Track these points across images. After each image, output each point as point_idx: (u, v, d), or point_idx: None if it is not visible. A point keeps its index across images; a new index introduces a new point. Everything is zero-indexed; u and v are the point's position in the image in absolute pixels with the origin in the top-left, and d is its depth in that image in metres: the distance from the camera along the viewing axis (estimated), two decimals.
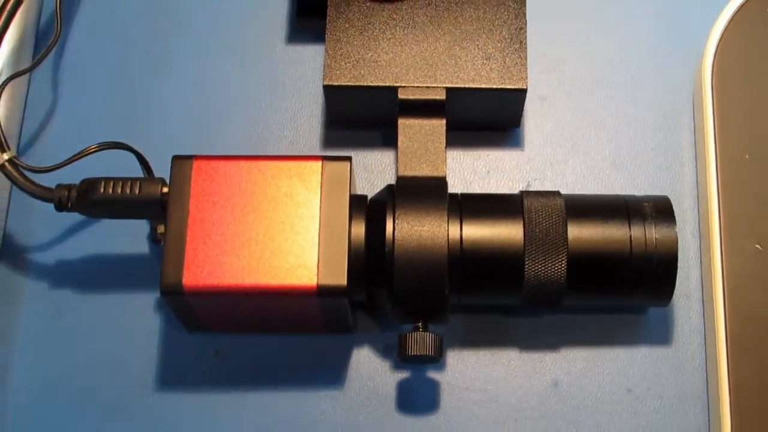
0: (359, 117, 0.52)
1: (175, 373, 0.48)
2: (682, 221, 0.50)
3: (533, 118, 0.53)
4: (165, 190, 0.46)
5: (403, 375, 0.49)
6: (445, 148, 0.48)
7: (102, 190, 0.45)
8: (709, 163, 0.49)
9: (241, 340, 0.49)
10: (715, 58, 0.50)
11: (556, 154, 0.52)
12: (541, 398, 0.48)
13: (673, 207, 0.46)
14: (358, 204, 0.46)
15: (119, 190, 0.45)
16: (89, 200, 0.46)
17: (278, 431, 0.48)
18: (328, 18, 0.50)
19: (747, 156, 0.49)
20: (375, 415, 0.48)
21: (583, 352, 0.49)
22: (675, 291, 0.46)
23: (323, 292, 0.44)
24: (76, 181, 0.46)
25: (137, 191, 0.45)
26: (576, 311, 0.49)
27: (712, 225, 0.48)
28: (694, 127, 0.52)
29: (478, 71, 0.49)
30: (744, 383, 0.46)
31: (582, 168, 0.52)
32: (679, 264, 0.45)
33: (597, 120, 0.53)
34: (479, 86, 0.49)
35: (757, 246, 0.47)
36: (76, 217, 0.48)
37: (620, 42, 0.54)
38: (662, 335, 0.49)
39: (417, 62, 0.49)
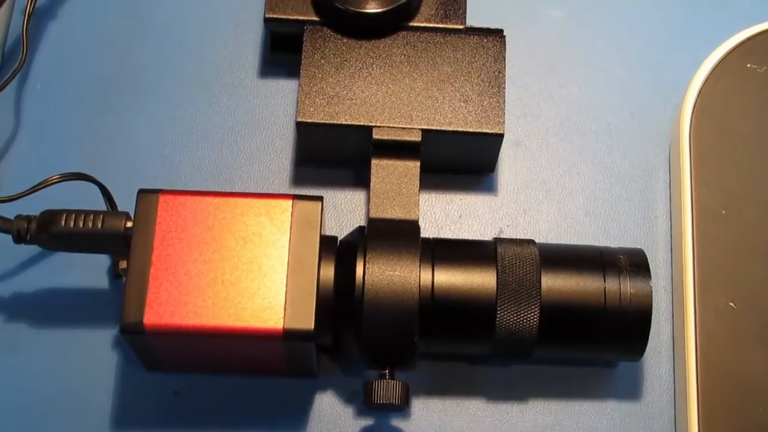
0: (331, 155, 0.51)
1: (133, 414, 0.47)
2: (654, 275, 0.49)
3: (508, 163, 0.52)
4: (129, 224, 0.44)
5: (367, 422, 0.47)
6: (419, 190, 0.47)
7: (63, 223, 0.44)
8: (684, 216, 0.48)
9: (201, 381, 0.48)
10: (693, 111, 0.50)
11: (530, 201, 0.52)
12: None
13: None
14: (327, 245, 0.45)
15: (81, 224, 0.44)
16: (49, 233, 0.44)
17: None
18: (303, 53, 0.49)
19: (723, 211, 0.48)
20: None
21: (551, 405, 0.48)
22: None
23: (289, 335, 0.42)
24: (37, 212, 0.45)
25: (100, 225, 0.44)
26: (545, 362, 0.48)
27: (686, 280, 0.47)
28: (670, 179, 0.52)
29: (455, 114, 0.48)
30: None
31: (555, 216, 0.51)
32: None
33: (572, 168, 0.52)
34: (455, 129, 0.48)
35: (731, 304, 0.47)
36: (34, 249, 0.47)
37: (599, 90, 0.54)
38: (632, 390, 0.48)
39: (393, 102, 0.48)
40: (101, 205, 0.47)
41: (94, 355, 0.48)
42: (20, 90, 0.53)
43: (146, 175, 0.51)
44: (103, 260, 0.49)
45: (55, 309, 0.48)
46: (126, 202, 0.46)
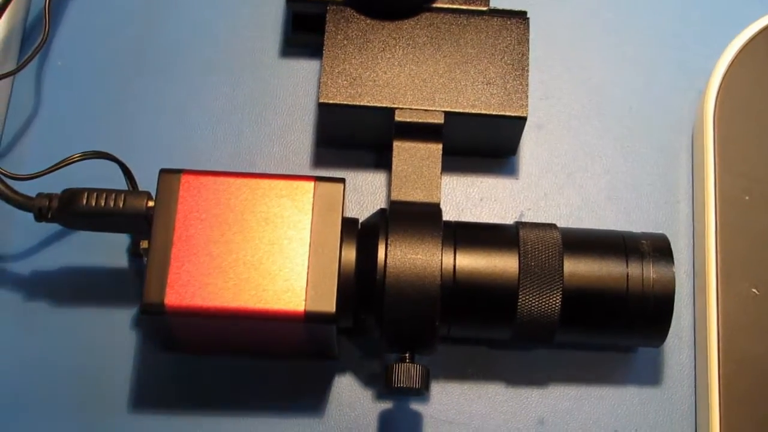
0: (353, 137, 0.50)
1: (150, 394, 0.47)
2: (676, 260, 0.48)
3: (529, 146, 0.52)
4: (150, 204, 0.44)
5: (386, 405, 0.47)
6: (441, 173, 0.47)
7: (84, 202, 0.44)
8: (707, 202, 0.48)
9: (220, 362, 0.47)
10: (718, 94, 0.49)
11: (551, 185, 0.51)
12: None
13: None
14: (349, 228, 0.45)
15: (102, 203, 0.44)
16: (70, 211, 0.44)
17: None
18: (326, 34, 0.49)
19: (747, 197, 0.48)
20: None
21: (570, 390, 0.48)
22: None
23: (311, 318, 0.42)
24: (58, 190, 0.45)
25: (121, 204, 0.44)
26: (566, 347, 0.48)
27: (708, 266, 0.47)
28: (693, 164, 0.51)
29: (477, 96, 0.48)
30: (735, 430, 0.45)
31: (576, 200, 0.51)
32: None
33: (594, 151, 0.52)
34: (478, 112, 0.48)
35: (754, 290, 0.46)
36: (55, 227, 0.46)
37: (621, 73, 0.53)
38: (652, 375, 0.48)
39: (416, 84, 0.48)
40: (122, 184, 0.46)
41: (112, 335, 0.48)
42: (41, 67, 0.52)
43: (167, 154, 0.50)
44: (122, 239, 0.49)
45: (75, 287, 0.48)
46: (147, 182, 0.45)
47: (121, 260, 0.49)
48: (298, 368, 0.47)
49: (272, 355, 0.47)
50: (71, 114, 0.51)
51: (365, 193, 0.51)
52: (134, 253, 0.48)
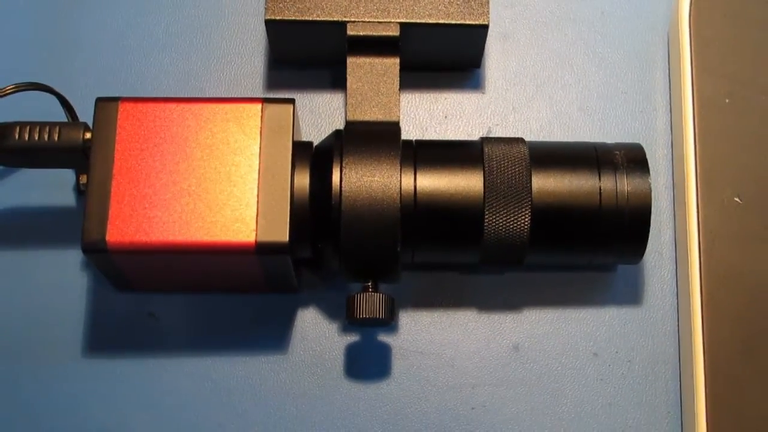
0: (305, 55, 0.48)
1: (106, 337, 0.45)
2: (654, 171, 0.47)
3: (495, 57, 0.49)
4: (87, 135, 0.42)
5: (352, 338, 0.45)
6: (399, 89, 0.44)
7: (17, 137, 0.41)
8: (685, 107, 0.45)
9: (177, 300, 0.45)
10: None
11: (520, 98, 0.49)
12: (500, 363, 0.45)
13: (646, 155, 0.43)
14: (302, 151, 0.42)
15: (36, 136, 0.41)
16: (3, 148, 0.41)
17: (217, 398, 0.44)
18: None
19: (727, 100, 0.45)
20: (321, 381, 0.45)
21: (546, 313, 0.46)
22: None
23: (263, 249, 0.40)
24: None
25: (56, 137, 0.41)
26: (539, 269, 0.46)
27: (688, 176, 0.44)
28: (669, 68, 0.49)
29: (435, 5, 0.45)
30: (720, 347, 0.43)
31: (547, 113, 0.48)
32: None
33: (564, 60, 0.49)
34: (436, 21, 0.45)
35: (736, 199, 0.44)
36: None
37: None
38: (632, 295, 0.46)
39: None
40: (61, 116, 0.44)
41: (61, 277, 0.45)
42: None
43: (108, 84, 0.48)
44: (68, 175, 0.46)
45: (17, 229, 0.46)
46: (89, 114, 0.42)
47: (67, 197, 0.46)
48: (259, 303, 0.45)
49: (231, 291, 0.45)
50: (1, 43, 0.49)
51: (322, 114, 0.48)
52: (79, 190, 0.46)
